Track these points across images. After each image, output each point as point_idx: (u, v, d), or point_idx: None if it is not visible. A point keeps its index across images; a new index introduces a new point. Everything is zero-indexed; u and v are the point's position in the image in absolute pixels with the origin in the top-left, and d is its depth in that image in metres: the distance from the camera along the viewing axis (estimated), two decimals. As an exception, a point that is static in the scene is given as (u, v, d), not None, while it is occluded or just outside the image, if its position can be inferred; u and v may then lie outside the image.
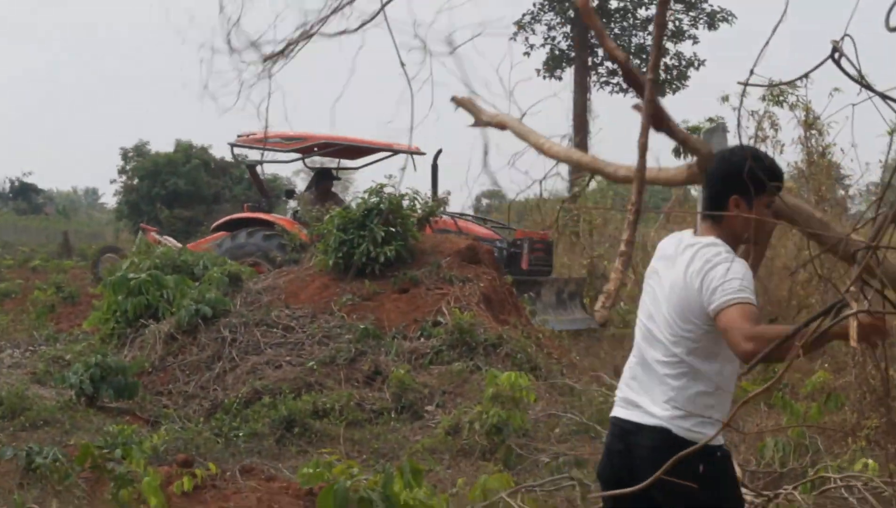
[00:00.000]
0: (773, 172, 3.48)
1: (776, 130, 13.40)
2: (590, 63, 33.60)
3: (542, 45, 32.73)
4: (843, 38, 1.91)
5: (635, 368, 3.74)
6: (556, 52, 33.49)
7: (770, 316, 11.83)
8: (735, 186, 3.43)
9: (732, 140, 5.79)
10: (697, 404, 3.50)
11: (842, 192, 14.28)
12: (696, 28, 33.39)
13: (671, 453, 2.83)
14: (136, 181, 39.01)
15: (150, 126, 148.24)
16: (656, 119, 3.31)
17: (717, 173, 3.54)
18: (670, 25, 33.70)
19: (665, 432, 3.53)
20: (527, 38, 33.49)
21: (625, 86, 33.17)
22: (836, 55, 1.94)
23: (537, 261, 15.48)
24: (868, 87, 2.06)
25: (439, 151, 16.20)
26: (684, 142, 3.64)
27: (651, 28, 32.95)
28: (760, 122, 13.37)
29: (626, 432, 3.68)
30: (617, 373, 11.04)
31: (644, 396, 3.64)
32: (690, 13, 33.60)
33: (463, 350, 10.50)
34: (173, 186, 37.43)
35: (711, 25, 32.73)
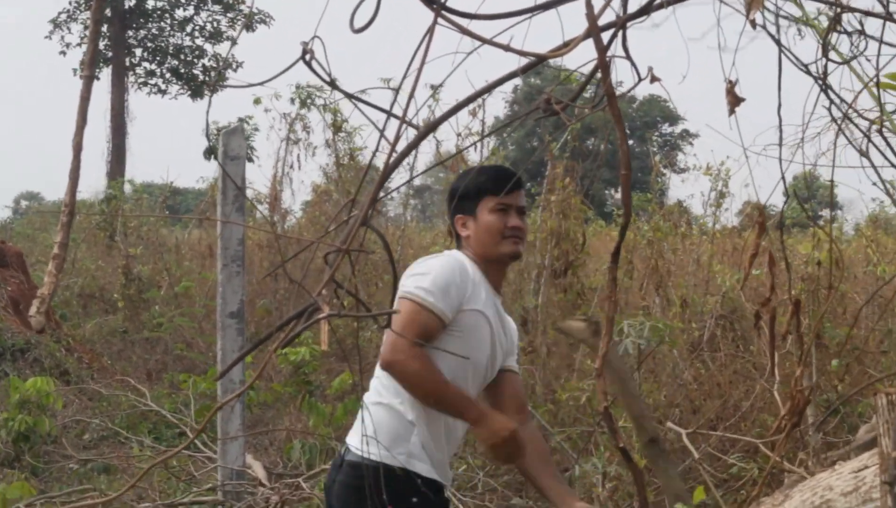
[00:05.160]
0: (483, 177, 3.32)
1: (308, 133, 13.54)
2: (127, 63, 33.30)
3: (79, 45, 31.80)
4: (312, 40, 1.89)
5: None
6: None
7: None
8: (454, 210, 3.33)
9: (266, 141, 6.08)
10: None
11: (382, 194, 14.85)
12: (234, 29, 33.63)
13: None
14: None
15: None
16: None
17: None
18: (208, 26, 34.05)
19: None
20: (62, 37, 32.56)
21: (163, 87, 33.25)
22: (307, 57, 1.89)
23: None
24: (336, 87, 2.08)
25: None
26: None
27: (189, 29, 33.12)
28: (292, 124, 13.52)
29: None
30: (149, 377, 11.35)
31: None
32: (228, 14, 33.85)
33: (-10, 357, 10.57)
34: None
35: (249, 27, 33.03)
